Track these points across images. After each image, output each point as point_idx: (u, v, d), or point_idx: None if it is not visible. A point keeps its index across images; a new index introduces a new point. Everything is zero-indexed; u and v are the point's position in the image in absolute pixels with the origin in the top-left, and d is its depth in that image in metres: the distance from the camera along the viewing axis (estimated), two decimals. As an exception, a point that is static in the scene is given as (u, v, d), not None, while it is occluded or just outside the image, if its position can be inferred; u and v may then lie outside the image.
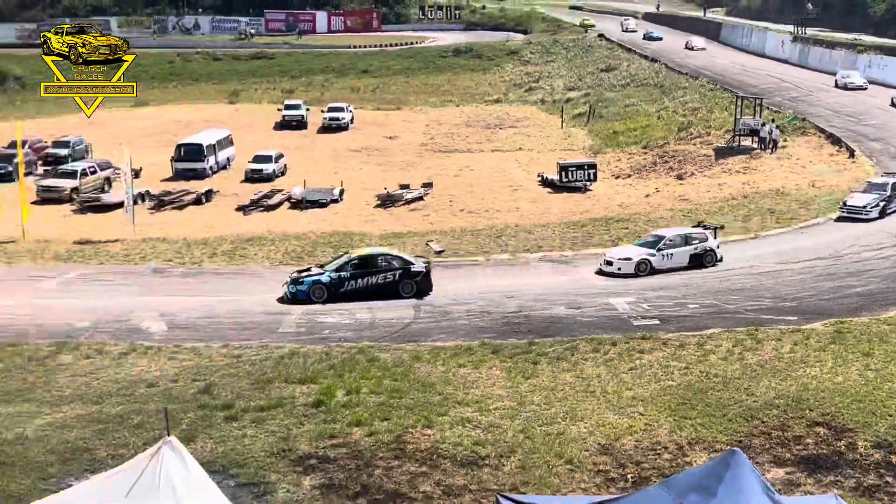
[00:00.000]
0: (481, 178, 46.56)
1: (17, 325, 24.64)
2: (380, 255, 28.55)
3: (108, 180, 44.07)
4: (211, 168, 47.24)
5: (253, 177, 46.14)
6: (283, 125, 61.24)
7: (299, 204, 40.67)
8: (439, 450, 16.49)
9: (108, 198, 41.06)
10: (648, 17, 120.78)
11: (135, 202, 36.75)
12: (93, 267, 31.18)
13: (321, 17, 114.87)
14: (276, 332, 24.27)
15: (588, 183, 43.28)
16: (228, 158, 49.67)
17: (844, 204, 34.90)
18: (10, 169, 43.74)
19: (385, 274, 27.77)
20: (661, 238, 29.97)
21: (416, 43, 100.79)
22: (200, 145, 47.54)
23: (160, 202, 40.73)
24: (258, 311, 26.27)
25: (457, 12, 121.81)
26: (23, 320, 25.12)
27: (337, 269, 27.73)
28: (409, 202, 41.02)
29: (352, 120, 62.18)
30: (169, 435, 7.25)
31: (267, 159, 47.59)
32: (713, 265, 29.68)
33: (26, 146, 46.01)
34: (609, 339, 22.57)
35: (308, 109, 62.96)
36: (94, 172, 43.81)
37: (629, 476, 15.93)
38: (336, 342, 23.12)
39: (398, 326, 24.64)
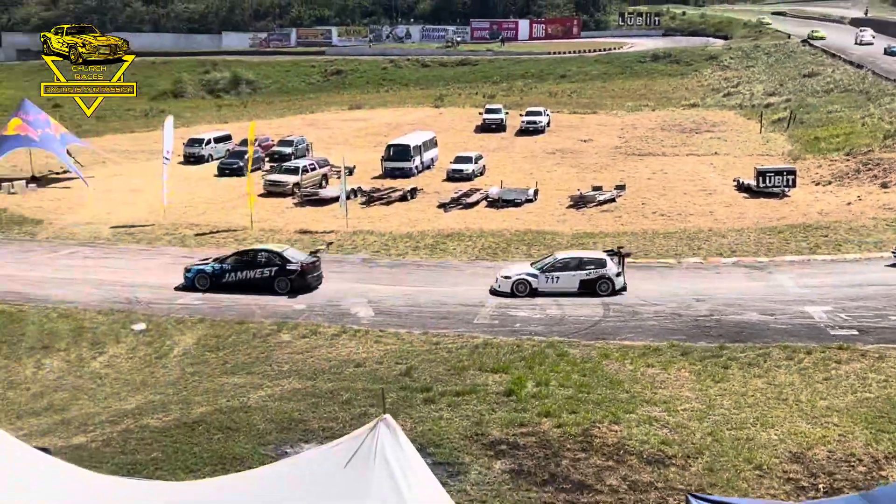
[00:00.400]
0: (675, 181, 45.27)
1: (245, 305, 26.38)
2: (261, 251, 29.02)
3: (325, 177, 46.15)
4: (416, 167, 48.46)
5: (454, 176, 46.93)
6: (484, 128, 61.95)
7: (496, 203, 41.01)
8: (626, 446, 16.23)
9: (324, 192, 42.89)
10: (855, 22, 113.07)
11: (348, 197, 38.26)
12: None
13: (523, 24, 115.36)
14: (471, 323, 24.68)
15: (786, 189, 41.14)
16: (432, 159, 50.81)
17: None
18: (241, 164, 46.69)
19: (262, 269, 28.05)
20: (556, 259, 28.16)
21: (615, 49, 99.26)
22: (408, 146, 48.89)
23: (370, 198, 42.18)
24: (455, 302, 26.79)
25: (656, 19, 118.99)
26: (249, 301, 26.86)
27: (221, 262, 28.48)
28: (601, 203, 40.49)
29: (548, 123, 62.05)
30: (385, 413, 7.56)
31: (467, 160, 48.30)
32: (608, 294, 27.05)
33: (256, 144, 48.99)
34: (804, 347, 21.43)
35: (507, 113, 63.39)
36: (313, 169, 45.92)
37: (821, 486, 15.06)
38: (527, 335, 23.24)
39: (587, 324, 24.44)
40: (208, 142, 53.90)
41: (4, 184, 44.03)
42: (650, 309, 25.68)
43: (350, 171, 42.87)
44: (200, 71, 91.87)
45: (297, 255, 28.87)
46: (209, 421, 17.21)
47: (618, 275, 27.49)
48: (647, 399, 18.47)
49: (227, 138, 55.28)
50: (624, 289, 27.47)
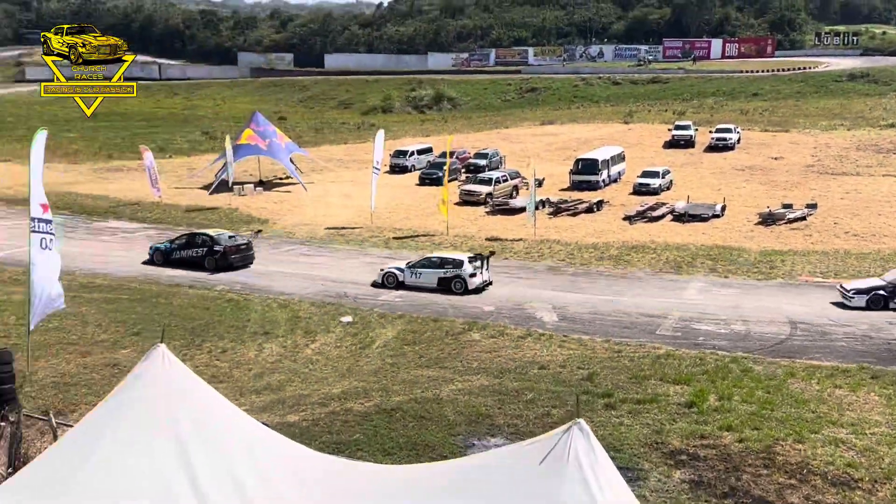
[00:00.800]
0: (870, 202, 42.11)
1: (439, 304, 26.96)
2: (200, 234, 33.01)
3: (515, 188, 46.43)
4: (603, 181, 47.81)
5: (640, 190, 45.92)
6: (672, 144, 60.17)
7: (681, 217, 39.72)
8: (810, 465, 15.25)
9: (515, 203, 43.17)
10: None
11: (536, 207, 38.29)
12: (499, 260, 33.07)
13: (716, 44, 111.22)
14: (654, 334, 24.01)
15: None
16: (619, 172, 49.97)
17: (841, 286, 27.24)
18: (440, 175, 47.78)
19: (197, 249, 31.92)
20: (420, 259, 29.95)
21: (810, 68, 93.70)
22: (596, 160, 48.34)
23: (557, 209, 42.00)
24: (637, 312, 26.16)
25: (854, 38, 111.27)
26: (443, 300, 27.42)
27: (171, 242, 32.88)
28: (790, 221, 38.28)
29: (738, 140, 59.41)
30: (578, 417, 7.52)
31: (654, 174, 47.12)
32: (461, 292, 28.20)
33: (454, 156, 49.99)
34: None
35: (697, 129, 61.30)
36: (505, 181, 46.35)
37: None
38: (710, 349, 22.33)
39: (773, 341, 23.16)
40: (412, 153, 55.62)
41: (236, 186, 47.31)
42: (840, 330, 24.02)
43: (539, 183, 42.86)
44: (407, 88, 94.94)
45: (225, 240, 32.35)
46: (405, 409, 17.71)
47: (472, 275, 28.43)
48: (833, 420, 17.28)
49: (428, 150, 56.79)
50: (479, 290, 28.45)
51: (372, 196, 40.14)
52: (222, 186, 47.46)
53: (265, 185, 50.73)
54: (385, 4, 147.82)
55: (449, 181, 41.37)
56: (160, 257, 32.40)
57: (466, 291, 28.31)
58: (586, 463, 6.97)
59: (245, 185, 48.48)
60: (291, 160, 51.58)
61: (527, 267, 32.14)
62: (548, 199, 43.17)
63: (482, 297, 27.81)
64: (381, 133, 42.16)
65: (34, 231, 19.74)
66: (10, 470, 11.78)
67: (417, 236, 37.41)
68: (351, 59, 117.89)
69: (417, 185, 50.12)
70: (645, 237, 36.32)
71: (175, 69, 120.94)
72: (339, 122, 79.92)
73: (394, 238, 37.09)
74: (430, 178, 49.59)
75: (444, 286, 28.64)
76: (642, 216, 40.24)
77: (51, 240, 19.89)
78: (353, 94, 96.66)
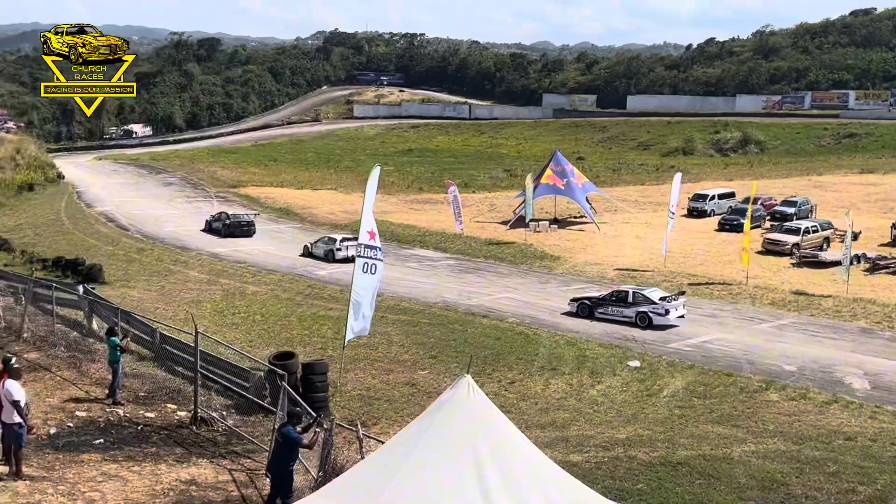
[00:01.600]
0: None
1: (733, 358, 25.58)
2: (222, 213, 50.11)
3: (827, 239, 43.02)
4: (934, 238, 42.75)
5: (980, 250, 40.46)
6: None
7: None
8: None
9: (825, 256, 40.05)
10: None
11: (851, 263, 35.15)
12: (804, 317, 30.76)
13: None
14: None
15: None
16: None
17: None
18: (742, 221, 45.46)
19: (220, 222, 48.49)
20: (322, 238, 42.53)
21: None
22: (925, 214, 43.39)
23: (875, 265, 38.26)
24: (970, 389, 22.93)
25: None
26: (738, 354, 25.98)
27: (214, 217, 50.57)
28: None
29: None
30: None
31: None
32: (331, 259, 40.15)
33: (758, 202, 47.45)
34: None
35: None
36: (815, 231, 43.13)
37: None
38: None
39: None
40: (712, 197, 53.67)
41: (532, 223, 48.55)
42: None
43: (855, 236, 39.30)
44: (711, 131, 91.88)
45: (233, 217, 48.59)
46: (692, 465, 16.93)
47: (338, 249, 40.20)
48: None
49: (730, 195, 54.49)
50: (337, 261, 39.26)
51: (665, 239, 39.19)
52: (519, 222, 48.94)
53: (560, 222, 51.52)
54: (694, 46, 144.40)
55: (751, 228, 39.31)
56: (206, 227, 49.08)
57: (334, 260, 39.89)
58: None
59: (540, 222, 49.59)
60: (587, 199, 51.95)
61: (836, 327, 29.53)
62: (864, 253, 39.48)
63: (784, 354, 25.92)
64: (678, 175, 41.19)
65: (359, 256, 21.69)
66: (320, 474, 12.92)
67: (712, 284, 35.88)
68: (654, 101, 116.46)
69: (716, 230, 48.18)
70: (982, 304, 31.87)
71: (483, 109, 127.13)
72: (637, 164, 79.13)
73: (688, 284, 35.85)
74: (731, 225, 47.46)
75: (326, 257, 40.67)
76: (980, 280, 35.39)
77: (373, 265, 21.65)
78: (654, 135, 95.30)
